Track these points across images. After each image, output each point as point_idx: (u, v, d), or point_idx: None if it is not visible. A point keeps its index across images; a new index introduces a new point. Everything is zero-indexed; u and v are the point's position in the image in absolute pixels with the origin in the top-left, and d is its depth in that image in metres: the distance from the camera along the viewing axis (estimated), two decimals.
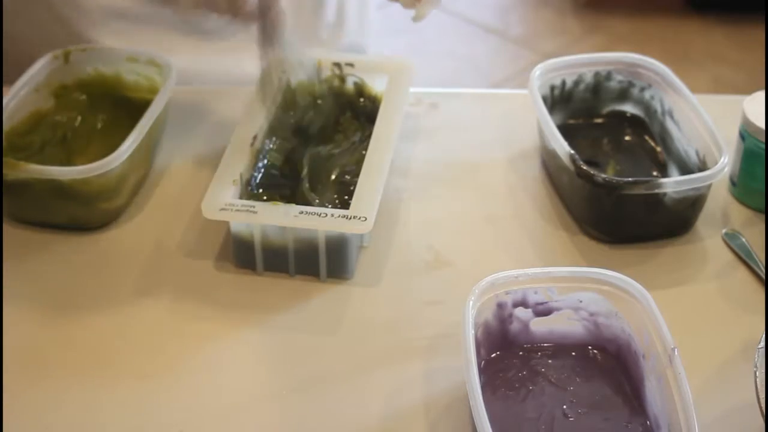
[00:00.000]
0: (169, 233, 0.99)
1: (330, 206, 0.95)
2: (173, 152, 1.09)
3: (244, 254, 0.94)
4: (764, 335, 0.79)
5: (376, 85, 1.08)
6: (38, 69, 1.06)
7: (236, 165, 0.95)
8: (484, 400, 0.74)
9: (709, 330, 0.90)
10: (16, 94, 1.03)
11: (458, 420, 0.82)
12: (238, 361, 0.87)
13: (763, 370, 0.76)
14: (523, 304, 0.85)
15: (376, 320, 0.91)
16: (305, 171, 0.98)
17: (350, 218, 0.90)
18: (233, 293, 0.93)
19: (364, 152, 0.98)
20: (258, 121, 1.00)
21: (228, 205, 0.91)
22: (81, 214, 0.98)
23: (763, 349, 0.78)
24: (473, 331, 0.79)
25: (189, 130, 1.12)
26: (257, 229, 0.92)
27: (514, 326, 0.86)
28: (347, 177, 0.99)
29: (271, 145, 1.01)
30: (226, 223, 0.95)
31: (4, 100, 1.01)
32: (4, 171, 0.95)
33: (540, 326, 0.86)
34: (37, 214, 0.99)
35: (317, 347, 0.89)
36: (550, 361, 0.85)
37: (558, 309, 0.85)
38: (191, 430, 0.82)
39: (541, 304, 0.85)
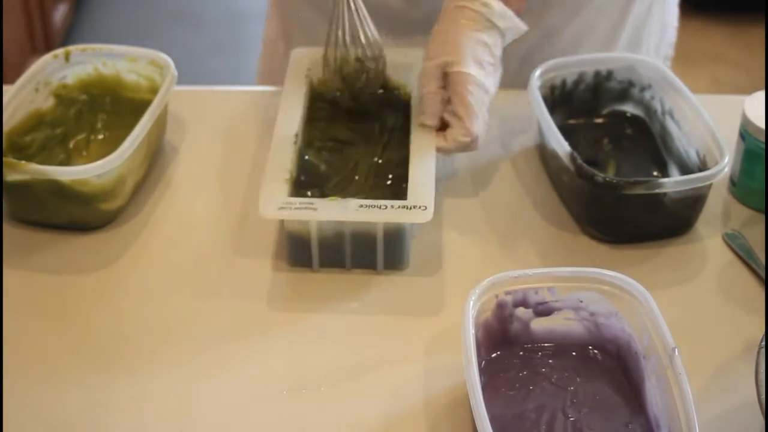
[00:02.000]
0: (168, 233, 0.99)
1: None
2: (173, 152, 1.09)
3: (300, 252, 0.94)
4: (764, 335, 0.79)
5: (399, 78, 1.09)
6: (38, 69, 1.06)
7: (284, 163, 0.95)
8: (485, 400, 0.74)
9: (709, 330, 0.90)
10: (16, 94, 1.03)
11: (458, 420, 0.82)
12: (239, 362, 0.87)
13: (764, 370, 0.76)
14: (523, 304, 0.85)
15: (371, 321, 0.91)
16: (351, 165, 1.00)
17: (410, 208, 0.90)
18: (233, 293, 0.93)
19: (395, 142, 1.01)
20: (296, 119, 1.01)
21: (285, 203, 0.91)
22: (81, 214, 0.98)
23: (764, 349, 0.78)
24: (473, 331, 0.79)
25: (189, 130, 1.12)
26: (314, 225, 0.92)
27: (515, 326, 0.86)
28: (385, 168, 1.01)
29: (312, 142, 1.02)
30: (227, 223, 0.95)
31: (4, 100, 1.01)
32: (4, 171, 0.95)
33: (540, 326, 0.86)
34: (37, 214, 0.99)
35: (315, 346, 0.89)
36: (550, 361, 0.85)
37: (558, 309, 0.85)
38: (191, 430, 0.82)
39: (542, 304, 0.85)
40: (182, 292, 0.93)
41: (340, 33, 1.01)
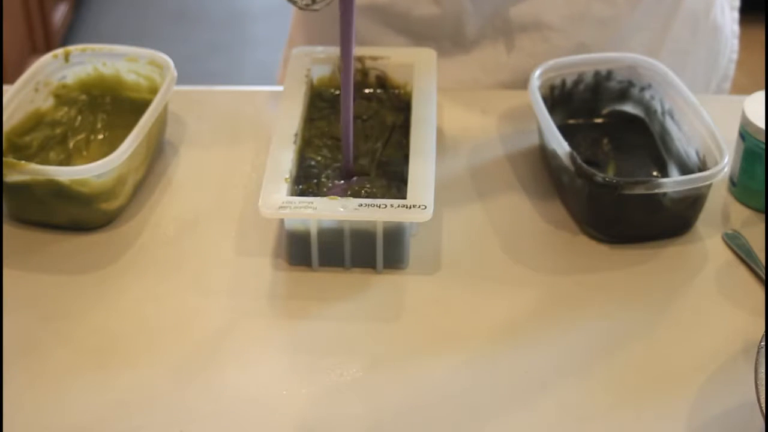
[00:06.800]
0: (168, 233, 0.99)
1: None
2: (173, 152, 1.09)
3: (300, 251, 0.94)
4: (764, 335, 0.79)
5: (400, 78, 1.09)
6: (38, 69, 1.06)
7: (284, 163, 0.96)
8: None
9: (709, 330, 0.90)
10: (16, 94, 1.03)
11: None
12: (239, 361, 0.88)
13: (764, 370, 0.76)
14: None
15: (371, 320, 0.91)
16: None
17: (410, 207, 0.90)
18: (233, 293, 0.93)
19: (395, 141, 1.01)
20: (295, 119, 1.01)
21: (285, 202, 0.91)
22: (81, 214, 0.98)
23: (764, 349, 0.78)
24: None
25: (189, 130, 1.12)
26: (314, 224, 0.92)
27: None
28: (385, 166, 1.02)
29: (312, 141, 1.03)
30: (227, 223, 0.95)
31: (4, 100, 1.01)
32: (4, 171, 0.95)
33: None
34: (37, 214, 0.99)
35: (315, 345, 0.89)
36: None
37: None
38: (192, 430, 0.82)
39: None
40: (182, 292, 0.93)
41: None
